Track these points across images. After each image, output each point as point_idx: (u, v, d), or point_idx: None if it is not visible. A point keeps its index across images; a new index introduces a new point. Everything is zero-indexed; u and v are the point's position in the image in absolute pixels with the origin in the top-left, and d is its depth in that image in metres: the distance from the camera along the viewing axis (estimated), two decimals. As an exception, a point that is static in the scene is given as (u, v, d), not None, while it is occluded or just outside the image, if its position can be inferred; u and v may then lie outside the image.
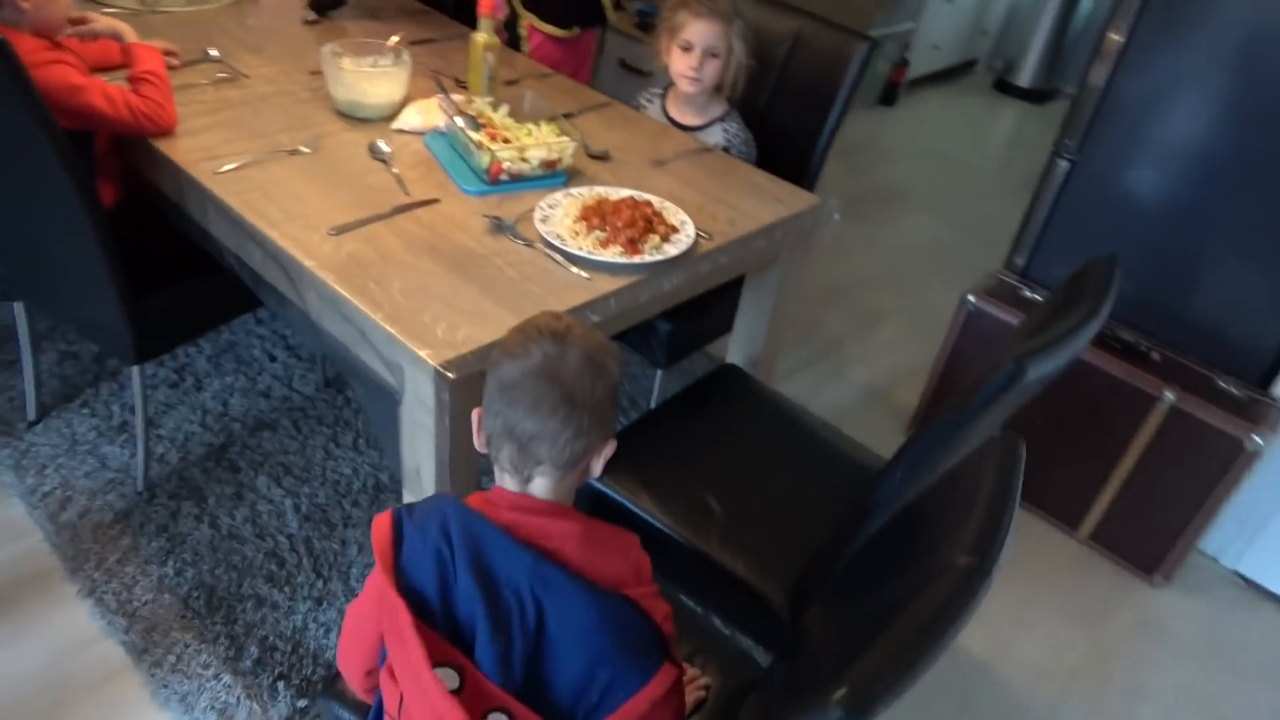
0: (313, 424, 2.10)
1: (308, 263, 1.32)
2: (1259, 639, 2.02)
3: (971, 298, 2.17)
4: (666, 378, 2.06)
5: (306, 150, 1.60)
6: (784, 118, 2.03)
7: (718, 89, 1.91)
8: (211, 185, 1.47)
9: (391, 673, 0.89)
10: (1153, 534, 2.05)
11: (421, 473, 1.30)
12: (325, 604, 1.71)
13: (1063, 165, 2.14)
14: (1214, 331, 2.03)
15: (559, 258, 1.42)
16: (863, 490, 1.55)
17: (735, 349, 1.93)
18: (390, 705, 0.91)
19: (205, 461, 1.96)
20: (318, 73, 1.87)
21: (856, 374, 2.64)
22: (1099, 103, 2.04)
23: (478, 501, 0.92)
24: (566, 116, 1.75)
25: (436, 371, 1.17)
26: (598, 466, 0.94)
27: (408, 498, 1.38)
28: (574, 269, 1.40)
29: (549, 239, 1.44)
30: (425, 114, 1.73)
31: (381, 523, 0.90)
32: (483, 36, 1.79)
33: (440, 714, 0.83)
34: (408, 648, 0.84)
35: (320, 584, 1.75)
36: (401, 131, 1.73)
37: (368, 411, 1.43)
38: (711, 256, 1.52)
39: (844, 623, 0.96)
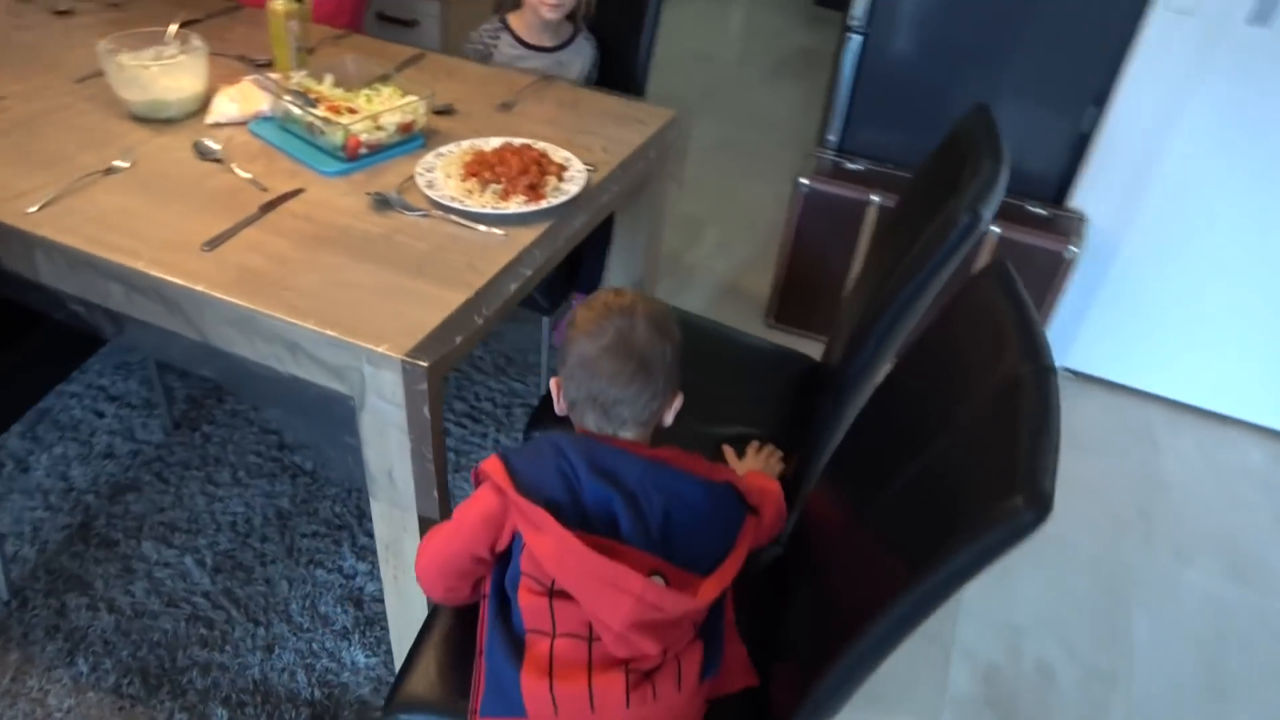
0: (178, 471, 1.88)
1: (198, 287, 1.17)
2: (1097, 419, 2.34)
3: (804, 179, 2.28)
4: (551, 324, 2.03)
5: (124, 165, 1.40)
6: (603, 29, 2.00)
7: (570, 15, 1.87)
8: (33, 228, 1.25)
9: (537, 587, 0.97)
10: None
11: (394, 474, 1.20)
12: (277, 649, 1.57)
13: (855, 39, 2.27)
14: (1014, 163, 2.25)
15: (464, 220, 1.34)
16: (809, 374, 1.64)
17: (616, 277, 1.92)
18: (534, 619, 0.98)
19: (71, 546, 1.71)
20: (86, 78, 1.63)
21: (702, 279, 2.71)
22: (877, -26, 2.17)
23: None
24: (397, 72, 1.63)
25: (404, 363, 1.08)
26: (669, 417, 1.07)
27: (377, 508, 1.28)
28: (484, 228, 1.33)
29: (445, 203, 1.35)
30: (242, 101, 1.55)
31: (494, 461, 0.99)
32: (282, 4, 1.61)
33: (621, 584, 0.93)
34: (570, 549, 0.93)
35: (262, 631, 1.60)
36: (219, 125, 1.54)
37: (296, 433, 1.30)
38: (606, 187, 1.49)
39: (888, 483, 1.01)
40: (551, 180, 1.41)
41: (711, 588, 0.99)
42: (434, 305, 1.17)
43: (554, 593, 0.98)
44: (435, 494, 1.21)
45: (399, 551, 1.32)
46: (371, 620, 1.64)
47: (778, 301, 2.47)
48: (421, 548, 1.07)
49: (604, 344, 0.99)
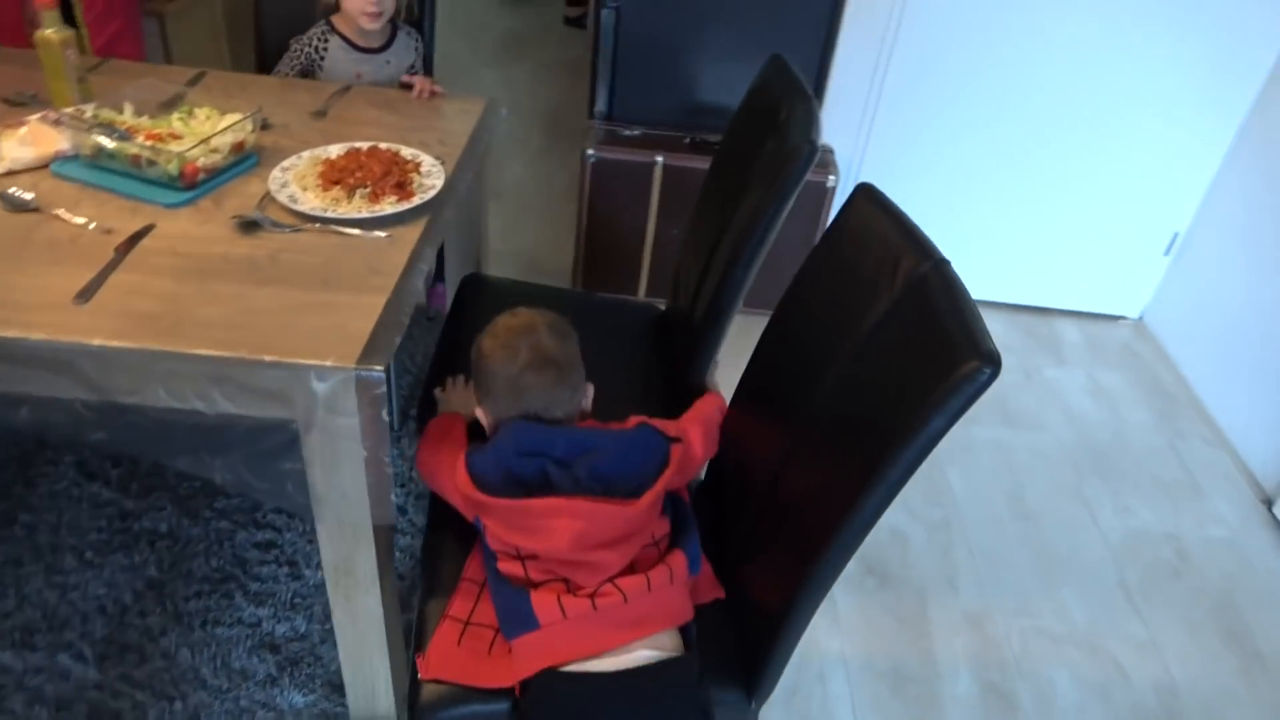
0: (10, 571, 1.67)
1: (95, 341, 1.08)
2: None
3: (590, 151, 2.40)
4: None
5: (-77, 232, 1.23)
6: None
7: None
8: None
9: (507, 556, 1.11)
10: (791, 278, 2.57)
11: (347, 489, 1.19)
12: (204, 716, 1.48)
13: (608, 13, 2.41)
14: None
15: (345, 229, 1.33)
16: (660, 320, 1.77)
17: (452, 262, 1.94)
18: (516, 579, 1.10)
19: (-90, 680, 1.48)
20: None
21: (505, 261, 2.75)
22: (618, -47, 2.32)
23: None
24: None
25: (359, 372, 1.08)
26: (588, 402, 1.20)
27: (324, 530, 1.25)
28: (367, 232, 1.33)
29: (317, 215, 1.33)
30: (35, 142, 1.40)
31: (460, 465, 1.14)
32: (54, 33, 1.46)
33: (553, 511, 1.07)
34: (506, 507, 1.09)
35: (180, 705, 1.49)
36: (13, 173, 1.39)
37: (214, 476, 1.23)
38: (460, 176, 1.53)
39: (812, 393, 1.16)
40: (415, 177, 1.43)
41: (649, 495, 1.12)
42: (357, 313, 1.17)
43: (523, 556, 1.10)
44: (391, 497, 1.22)
45: (350, 570, 1.29)
46: (295, 660, 1.57)
47: (582, 268, 2.58)
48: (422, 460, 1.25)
49: (522, 361, 1.12)
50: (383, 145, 1.49)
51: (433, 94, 1.82)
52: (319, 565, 1.73)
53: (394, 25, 1.91)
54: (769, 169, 1.47)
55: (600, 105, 2.53)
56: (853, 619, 1.81)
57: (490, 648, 1.12)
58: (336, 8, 1.84)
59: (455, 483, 1.13)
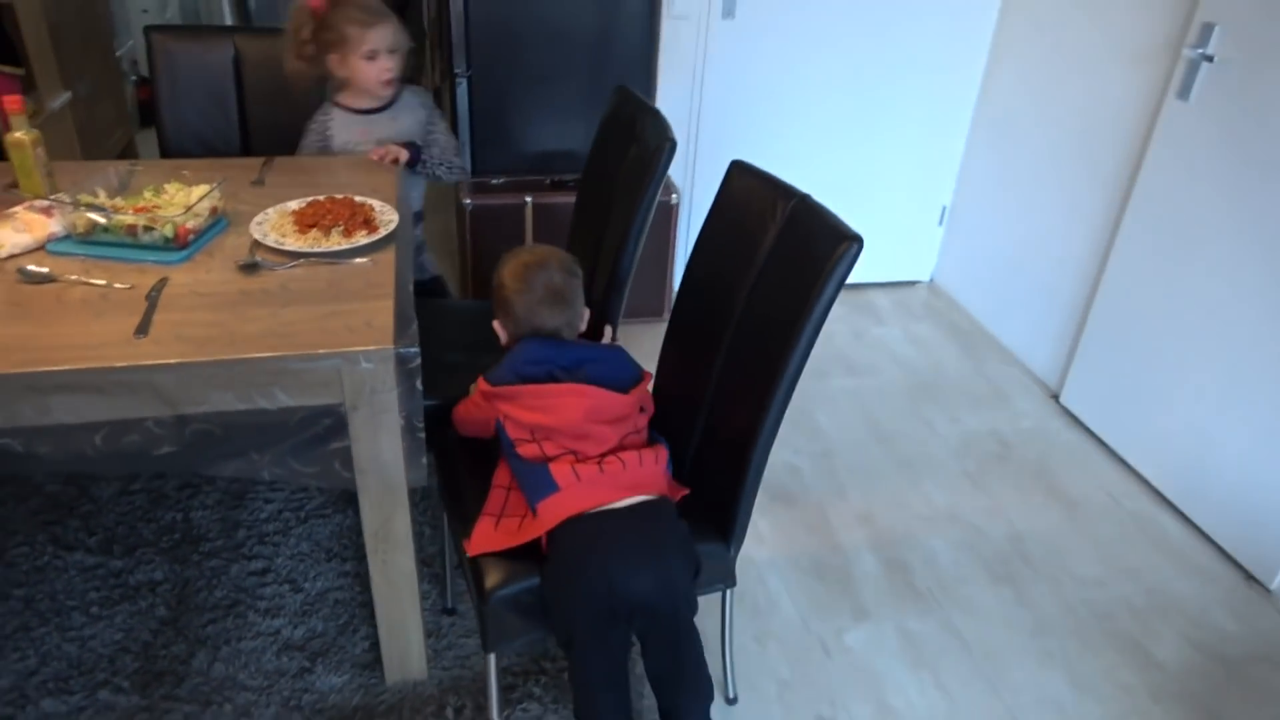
0: (22, 635, 1.77)
1: (171, 359, 1.31)
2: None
3: (468, 201, 2.73)
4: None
5: (-35, 308, 1.41)
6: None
7: None
8: (-57, 372, 1.26)
9: (524, 439, 1.44)
10: (653, 288, 2.98)
11: (386, 458, 1.45)
12: (255, 710, 1.65)
13: (462, 83, 2.76)
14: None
15: (333, 260, 1.60)
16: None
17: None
18: (533, 457, 1.42)
19: (-41, 741, 1.57)
20: None
21: (391, 317, 3.01)
22: (465, 31, 2.69)
23: None
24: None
25: (398, 350, 1.37)
26: (583, 324, 1.57)
27: (365, 500, 1.49)
28: (354, 261, 1.61)
29: (307, 251, 1.60)
30: (30, 229, 1.59)
31: (480, 380, 1.49)
32: (24, 134, 1.66)
33: (568, 392, 1.42)
34: (528, 390, 1.44)
35: (229, 706, 1.65)
36: (13, 256, 1.56)
37: (262, 474, 1.45)
38: (404, 215, 1.82)
39: (730, 316, 1.55)
40: (375, 215, 1.72)
41: (635, 391, 1.50)
42: (374, 313, 1.45)
43: (538, 438, 1.43)
44: (424, 460, 1.49)
45: (388, 535, 1.54)
46: (322, 652, 1.77)
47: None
48: (458, 416, 1.60)
49: (538, 296, 1.48)
50: (338, 195, 1.77)
51: (395, 160, 2.04)
52: (316, 577, 1.94)
53: (398, 84, 2.12)
54: (636, 168, 1.85)
55: (465, 164, 2.87)
56: (773, 535, 2.19)
57: (519, 526, 1.42)
58: (339, 88, 2.10)
59: (476, 397, 1.46)
